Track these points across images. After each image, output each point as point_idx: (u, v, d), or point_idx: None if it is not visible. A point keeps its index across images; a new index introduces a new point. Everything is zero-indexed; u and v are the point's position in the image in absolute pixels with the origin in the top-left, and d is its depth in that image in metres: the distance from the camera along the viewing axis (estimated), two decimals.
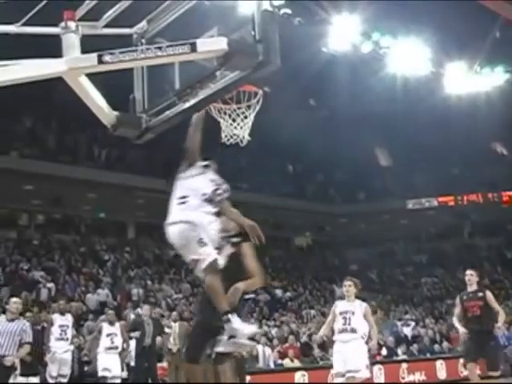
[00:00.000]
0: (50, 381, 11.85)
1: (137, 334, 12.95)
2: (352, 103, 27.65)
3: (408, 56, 21.09)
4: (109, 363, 12.15)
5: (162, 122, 5.37)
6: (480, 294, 9.60)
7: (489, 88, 23.04)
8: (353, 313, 8.50)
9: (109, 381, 12.08)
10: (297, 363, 16.50)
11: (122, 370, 12.79)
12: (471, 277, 9.77)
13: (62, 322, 12.33)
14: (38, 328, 13.07)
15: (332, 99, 27.76)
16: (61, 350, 12.14)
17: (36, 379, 11.75)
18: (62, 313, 12.64)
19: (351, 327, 8.46)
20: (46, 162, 24.44)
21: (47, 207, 26.37)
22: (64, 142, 27.13)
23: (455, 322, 10.06)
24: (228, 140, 5.72)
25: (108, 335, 12.32)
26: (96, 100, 5.12)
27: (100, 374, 12.19)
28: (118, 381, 12.27)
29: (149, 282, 22.22)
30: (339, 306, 8.78)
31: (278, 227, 33.32)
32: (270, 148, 28.83)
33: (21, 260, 21.21)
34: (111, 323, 12.49)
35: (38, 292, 18.90)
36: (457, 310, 9.92)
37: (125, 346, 12.54)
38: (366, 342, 8.59)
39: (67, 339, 12.34)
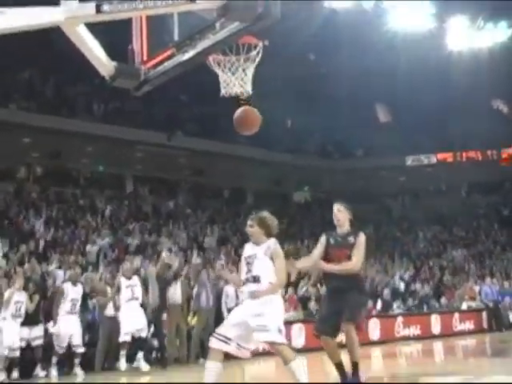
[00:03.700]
0: (60, 351, 11.65)
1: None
2: (353, 59, 27.41)
3: (410, 11, 20.87)
4: (131, 314, 12.08)
5: (161, 74, 5.33)
6: (351, 240, 7.01)
7: (491, 44, 22.85)
8: (256, 256, 6.16)
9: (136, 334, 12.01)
10: (295, 315, 16.55)
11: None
12: (339, 213, 7.13)
13: (73, 296, 11.97)
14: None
15: (333, 55, 27.49)
16: (70, 323, 11.82)
17: (39, 329, 11.87)
18: (74, 283, 12.23)
19: (252, 275, 6.13)
20: (45, 114, 24.36)
21: (46, 160, 26.34)
22: (62, 94, 26.98)
23: (304, 260, 7.34)
24: (227, 92, 5.67)
25: (127, 287, 12.27)
26: (94, 50, 5.08)
27: (122, 338, 11.94)
28: (144, 334, 12.13)
29: (146, 235, 22.36)
30: (245, 249, 6.39)
31: (277, 183, 33.43)
32: (269, 103, 28.67)
33: (19, 212, 21.30)
34: (128, 278, 12.46)
35: (37, 244, 19.03)
36: (316, 252, 7.15)
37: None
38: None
39: (76, 313, 12.02)
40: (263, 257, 6.13)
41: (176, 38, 5.11)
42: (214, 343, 5.94)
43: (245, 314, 5.99)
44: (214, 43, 4.91)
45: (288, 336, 13.98)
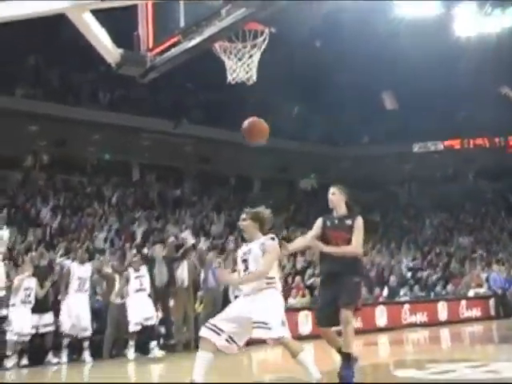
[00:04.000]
0: (71, 332, 11.69)
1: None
2: (359, 46, 27.28)
3: None
4: (140, 304, 12.15)
5: (167, 61, 5.31)
6: (348, 222, 6.82)
7: (499, 30, 22.68)
8: (250, 251, 6.02)
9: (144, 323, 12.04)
10: (302, 301, 16.53)
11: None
12: (332, 196, 6.98)
13: (80, 274, 11.99)
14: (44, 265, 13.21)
15: (339, 42, 27.35)
16: (78, 300, 11.90)
17: (49, 316, 11.88)
18: (82, 262, 12.25)
19: (250, 272, 5.97)
20: (51, 102, 24.40)
21: (52, 148, 26.38)
22: (68, 82, 26.97)
23: (297, 242, 7.31)
24: (233, 79, 5.65)
25: (136, 278, 12.34)
26: (100, 37, 5.06)
27: (132, 328, 11.98)
28: (152, 322, 12.18)
29: (153, 222, 22.39)
30: (241, 248, 6.29)
31: (283, 170, 33.39)
32: (275, 90, 28.61)
33: (26, 200, 21.36)
34: (136, 269, 12.56)
35: (44, 231, 19.09)
36: (311, 233, 6.98)
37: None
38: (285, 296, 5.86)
39: (86, 291, 12.07)
40: (258, 252, 5.97)
41: (182, 24, 5.08)
42: (204, 332, 5.87)
43: (244, 310, 5.84)
44: (220, 30, 4.89)
45: (294, 323, 14.05)
